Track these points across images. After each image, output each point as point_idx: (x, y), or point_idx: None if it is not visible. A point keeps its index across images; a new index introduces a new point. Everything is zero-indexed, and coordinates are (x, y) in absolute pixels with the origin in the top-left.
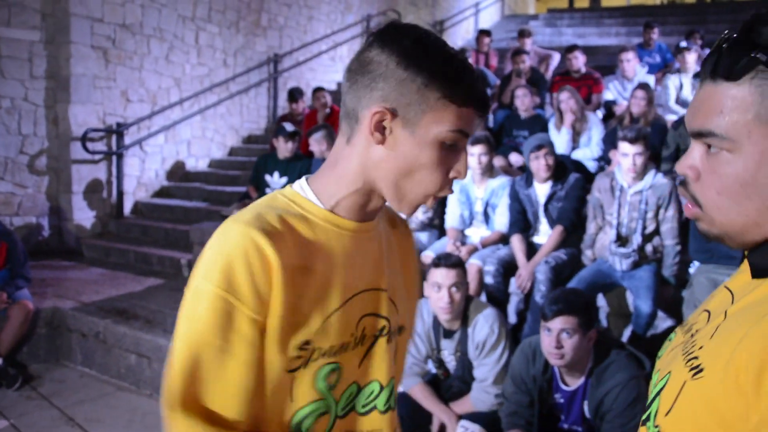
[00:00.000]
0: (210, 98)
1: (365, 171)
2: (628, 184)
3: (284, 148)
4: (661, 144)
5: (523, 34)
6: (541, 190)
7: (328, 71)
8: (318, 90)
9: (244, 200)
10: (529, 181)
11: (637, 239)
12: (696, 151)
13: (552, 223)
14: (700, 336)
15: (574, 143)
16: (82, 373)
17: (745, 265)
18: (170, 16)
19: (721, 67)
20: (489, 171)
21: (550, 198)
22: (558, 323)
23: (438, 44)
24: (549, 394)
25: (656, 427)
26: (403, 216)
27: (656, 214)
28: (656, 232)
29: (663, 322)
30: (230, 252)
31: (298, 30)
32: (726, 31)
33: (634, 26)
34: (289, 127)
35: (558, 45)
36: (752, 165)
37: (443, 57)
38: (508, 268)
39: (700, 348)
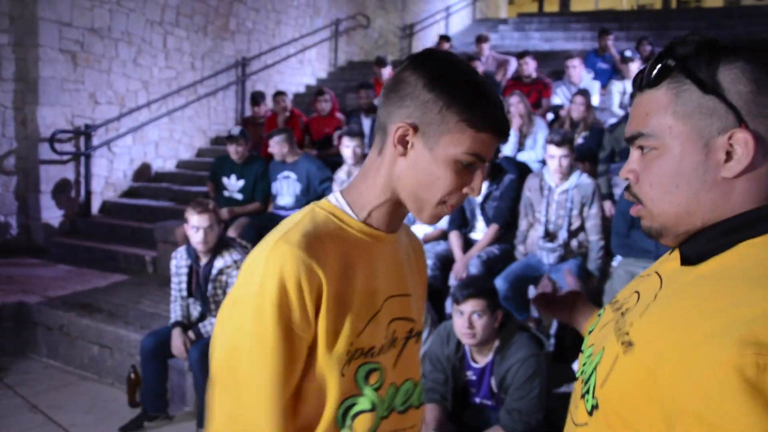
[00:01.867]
0: (178, 101)
1: (391, 182)
2: (555, 184)
3: (232, 151)
4: (598, 146)
5: (480, 39)
6: None
7: (296, 74)
8: (278, 94)
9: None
10: None
11: (563, 235)
12: (633, 156)
13: (488, 221)
14: (630, 314)
15: (521, 145)
16: (46, 364)
17: (676, 254)
18: (138, 21)
19: (644, 77)
20: None
21: (487, 198)
22: (469, 306)
23: (464, 71)
24: (461, 371)
25: (594, 398)
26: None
27: (581, 212)
28: (581, 228)
29: None
30: (283, 274)
31: (266, 34)
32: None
33: None
34: (233, 131)
35: (525, 49)
36: (676, 156)
37: (466, 83)
38: (446, 263)
39: (631, 325)
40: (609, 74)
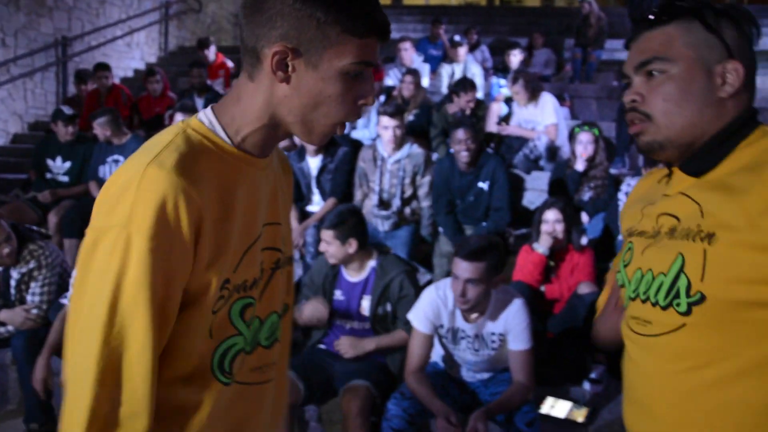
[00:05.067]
0: None
1: (270, 108)
2: (388, 154)
3: (64, 132)
4: (428, 123)
5: None
6: (313, 163)
7: (123, 58)
8: (100, 68)
9: (25, 187)
10: (301, 155)
11: (396, 203)
12: (637, 82)
13: (324, 194)
14: (685, 223)
15: (353, 124)
16: None
17: (678, 177)
18: None
19: (658, 17)
20: None
21: (322, 170)
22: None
23: None
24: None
25: (693, 296)
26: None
27: (413, 180)
28: (414, 196)
29: (423, 276)
30: (160, 201)
31: (89, 13)
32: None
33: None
34: (67, 110)
35: None
36: (685, 78)
37: None
38: None
39: (698, 225)
40: (439, 60)
